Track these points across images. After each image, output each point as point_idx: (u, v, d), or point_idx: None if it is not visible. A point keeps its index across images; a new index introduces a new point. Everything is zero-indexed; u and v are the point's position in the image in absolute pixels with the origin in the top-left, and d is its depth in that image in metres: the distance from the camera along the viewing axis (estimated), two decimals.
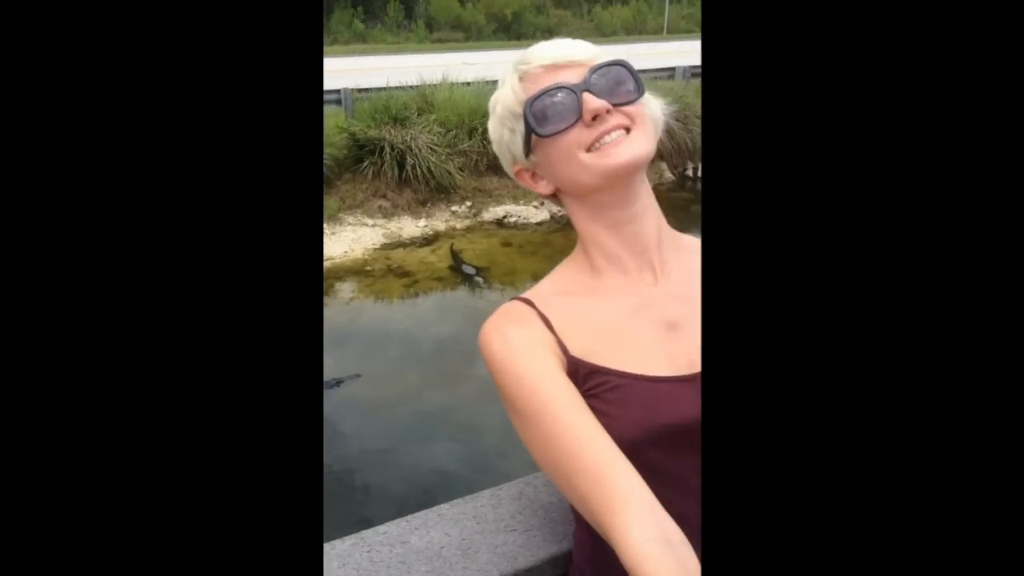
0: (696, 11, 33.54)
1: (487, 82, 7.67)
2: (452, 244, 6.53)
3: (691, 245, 0.80)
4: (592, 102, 0.68)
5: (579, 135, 0.69)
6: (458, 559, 0.82)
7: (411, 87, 7.73)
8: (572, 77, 0.70)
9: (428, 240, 6.72)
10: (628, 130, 0.70)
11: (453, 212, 7.10)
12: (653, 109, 0.75)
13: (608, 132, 0.69)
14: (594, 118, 0.68)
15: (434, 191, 7.06)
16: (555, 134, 0.70)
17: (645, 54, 14.08)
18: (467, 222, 7.08)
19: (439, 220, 7.02)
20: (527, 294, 0.76)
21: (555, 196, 0.77)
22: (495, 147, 0.79)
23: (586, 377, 0.70)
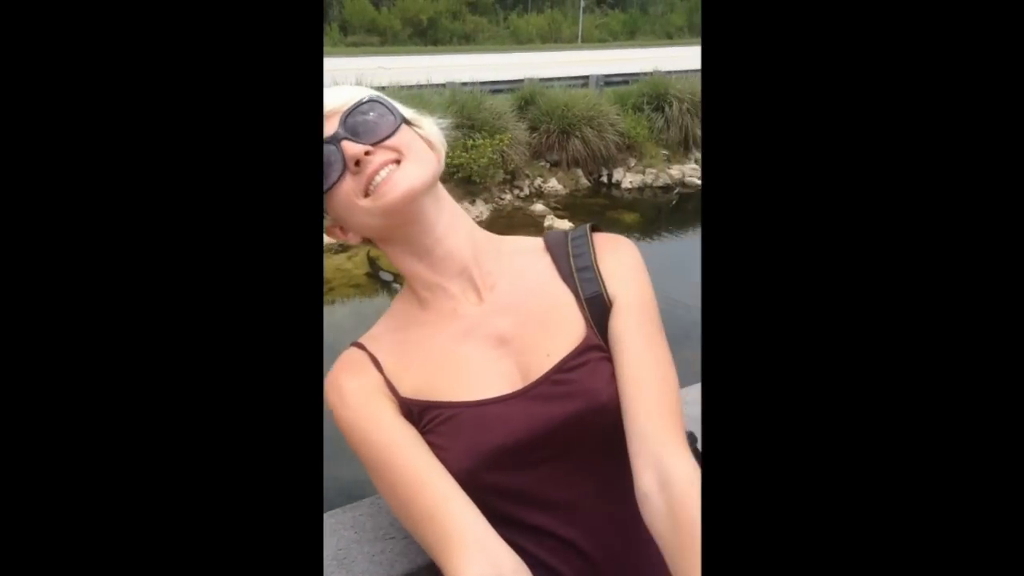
0: (609, 21, 34.49)
1: (402, 87, 7.61)
2: (369, 251, 6.43)
3: (513, 247, 0.79)
4: (350, 148, 0.67)
5: (351, 184, 0.68)
6: (334, 570, 0.81)
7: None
8: (329, 129, 0.68)
9: (344, 246, 6.58)
10: (398, 162, 0.68)
11: None
12: (426, 128, 0.74)
13: (376, 172, 0.67)
14: (357, 163, 0.67)
15: None
16: (329, 190, 0.68)
17: (560, 63, 14.33)
18: None
19: None
20: (362, 338, 0.76)
21: (369, 241, 0.75)
22: None
23: (420, 414, 0.70)
